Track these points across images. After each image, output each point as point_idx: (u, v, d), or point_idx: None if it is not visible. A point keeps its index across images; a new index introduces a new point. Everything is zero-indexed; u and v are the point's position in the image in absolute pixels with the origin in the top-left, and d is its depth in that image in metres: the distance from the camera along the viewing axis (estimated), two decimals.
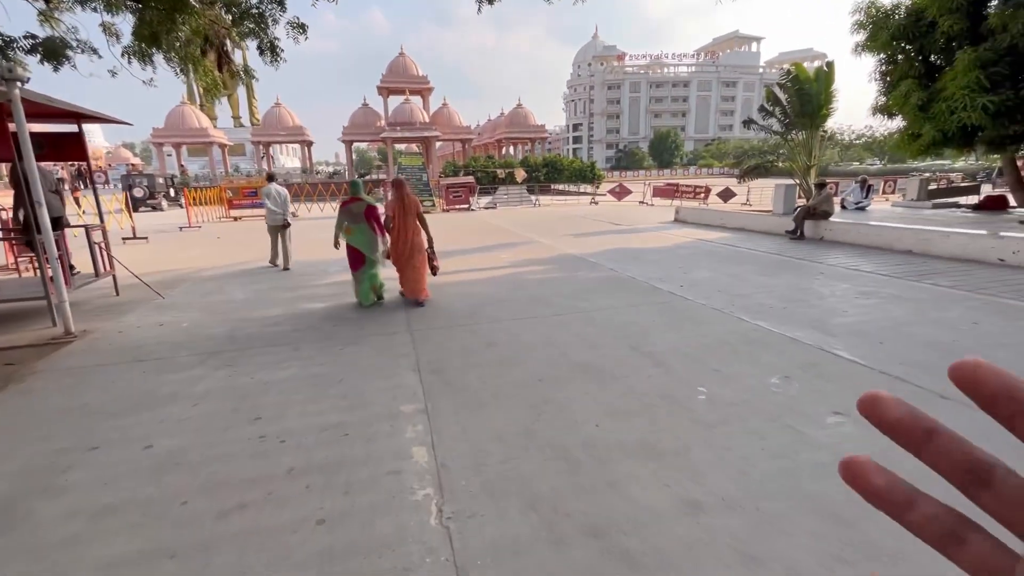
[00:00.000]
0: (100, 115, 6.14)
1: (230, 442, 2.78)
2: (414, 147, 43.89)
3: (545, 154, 39.49)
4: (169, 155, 41.76)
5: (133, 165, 46.12)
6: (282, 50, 6.98)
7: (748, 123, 14.40)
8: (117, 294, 6.47)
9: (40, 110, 5.40)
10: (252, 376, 3.71)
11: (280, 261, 8.19)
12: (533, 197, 22.84)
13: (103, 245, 6.38)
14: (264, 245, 8.57)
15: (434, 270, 5.97)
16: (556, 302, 5.60)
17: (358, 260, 5.69)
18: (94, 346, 4.55)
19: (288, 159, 73.13)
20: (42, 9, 7.30)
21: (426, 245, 5.81)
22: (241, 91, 48.14)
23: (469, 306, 5.58)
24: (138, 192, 22.89)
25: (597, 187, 28.66)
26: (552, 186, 29.56)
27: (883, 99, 12.26)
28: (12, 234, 5.99)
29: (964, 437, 0.22)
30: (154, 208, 23.20)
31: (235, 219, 17.57)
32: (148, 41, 6.44)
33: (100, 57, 7.59)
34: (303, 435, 2.83)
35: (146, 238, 12.08)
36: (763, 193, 20.21)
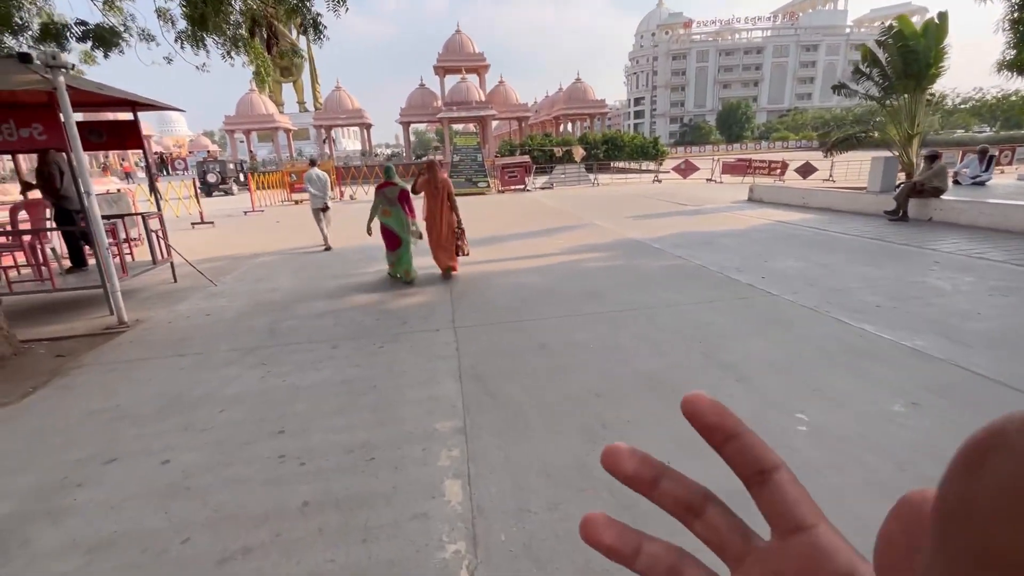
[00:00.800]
0: (154, 102, 6.13)
1: (247, 461, 2.51)
2: (471, 127, 43.56)
3: (605, 130, 37.82)
4: (241, 141, 43.91)
5: (210, 152, 48.97)
6: (325, 27, 6.71)
7: (839, 88, 12.72)
8: (175, 281, 6.56)
9: (93, 99, 5.42)
10: (284, 379, 3.46)
11: (328, 242, 8.42)
12: (592, 176, 21.84)
13: (160, 233, 6.46)
14: (317, 229, 8.58)
15: (458, 249, 6.01)
16: (615, 296, 5.02)
17: (394, 241, 5.86)
18: (142, 337, 4.52)
19: (349, 142, 75.33)
20: None
21: (455, 226, 5.94)
22: (306, 76, 49.65)
23: (519, 299, 5.12)
24: (211, 178, 24.13)
25: (660, 164, 27.07)
26: (612, 164, 28.27)
27: (1012, 52, 10.37)
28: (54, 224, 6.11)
29: (684, 475, 0.24)
30: (226, 193, 24.38)
31: (296, 202, 18.02)
32: (198, 24, 6.35)
33: (158, 44, 7.66)
34: (325, 456, 2.51)
35: (212, 223, 12.54)
36: (849, 168, 18.20)
